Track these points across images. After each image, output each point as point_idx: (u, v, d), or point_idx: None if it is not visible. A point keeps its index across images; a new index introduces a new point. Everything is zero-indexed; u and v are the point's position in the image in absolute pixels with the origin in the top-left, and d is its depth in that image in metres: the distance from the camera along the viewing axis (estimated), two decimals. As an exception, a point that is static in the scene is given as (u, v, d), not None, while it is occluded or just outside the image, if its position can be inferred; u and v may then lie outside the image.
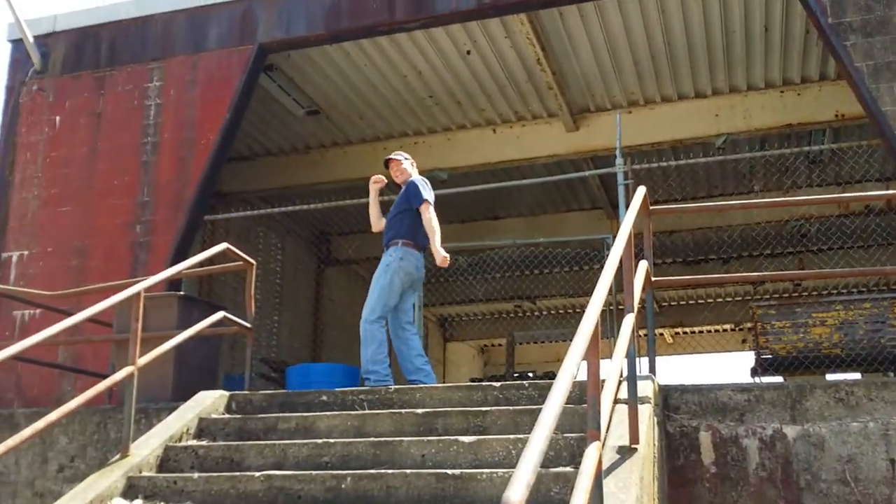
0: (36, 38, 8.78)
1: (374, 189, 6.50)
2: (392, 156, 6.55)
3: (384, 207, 6.61)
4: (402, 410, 4.92)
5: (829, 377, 7.21)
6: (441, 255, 5.97)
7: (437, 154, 10.46)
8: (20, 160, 8.53)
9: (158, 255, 7.72)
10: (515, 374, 11.67)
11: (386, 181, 6.50)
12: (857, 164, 8.32)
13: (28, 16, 9.18)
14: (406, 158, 6.53)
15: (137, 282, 5.12)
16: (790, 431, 4.88)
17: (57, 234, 8.16)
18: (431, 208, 6.11)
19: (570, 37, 8.63)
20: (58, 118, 8.56)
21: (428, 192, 6.20)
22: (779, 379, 7.29)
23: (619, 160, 7.50)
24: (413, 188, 6.21)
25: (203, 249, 6.70)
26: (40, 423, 4.11)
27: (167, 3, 8.66)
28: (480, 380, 14.29)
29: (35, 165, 8.47)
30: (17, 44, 8.90)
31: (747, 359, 15.24)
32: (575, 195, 11.91)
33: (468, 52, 8.94)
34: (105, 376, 5.82)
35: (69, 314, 5.67)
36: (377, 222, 6.53)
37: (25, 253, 8.14)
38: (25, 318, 7.83)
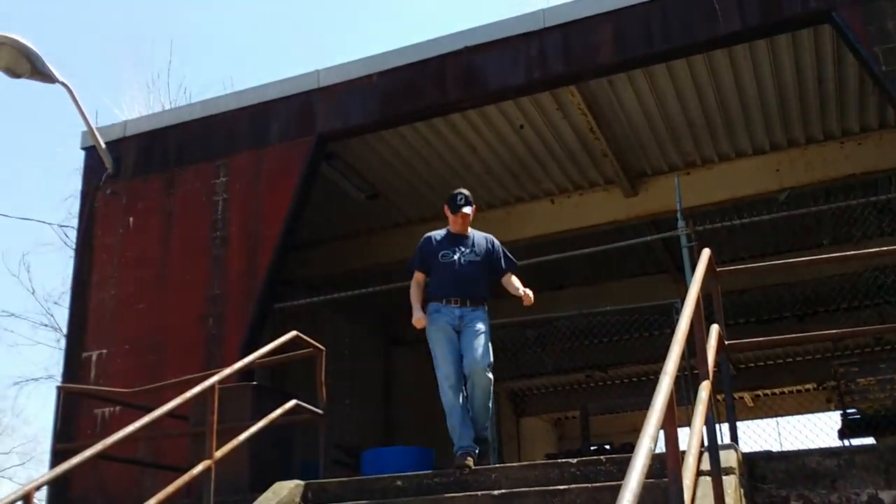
0: (108, 144, 9.20)
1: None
2: (467, 210, 5.86)
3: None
4: (479, 493, 4.84)
5: (924, 435, 6.84)
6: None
7: (496, 228, 10.38)
8: (97, 261, 8.88)
9: (231, 345, 7.86)
10: (592, 447, 11.38)
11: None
12: (929, 210, 8.07)
13: (100, 122, 9.68)
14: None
15: (211, 374, 5.22)
16: (886, 497, 4.62)
17: (133, 331, 8.40)
18: None
19: (621, 104, 8.69)
20: (131, 219, 8.92)
21: None
22: (869, 440, 6.95)
23: (680, 223, 7.43)
24: (506, 250, 6.03)
25: (273, 336, 6.80)
26: (123, 522, 4.17)
27: (230, 101, 9.04)
28: (556, 455, 13.97)
29: (111, 266, 8.79)
30: (91, 151, 9.33)
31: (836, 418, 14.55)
32: (639, 260, 11.78)
33: (521, 126, 9.06)
34: (184, 470, 5.89)
35: (147, 409, 5.79)
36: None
37: (104, 352, 8.40)
38: (106, 415, 8.02)
